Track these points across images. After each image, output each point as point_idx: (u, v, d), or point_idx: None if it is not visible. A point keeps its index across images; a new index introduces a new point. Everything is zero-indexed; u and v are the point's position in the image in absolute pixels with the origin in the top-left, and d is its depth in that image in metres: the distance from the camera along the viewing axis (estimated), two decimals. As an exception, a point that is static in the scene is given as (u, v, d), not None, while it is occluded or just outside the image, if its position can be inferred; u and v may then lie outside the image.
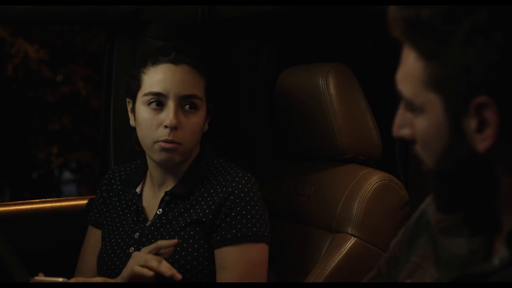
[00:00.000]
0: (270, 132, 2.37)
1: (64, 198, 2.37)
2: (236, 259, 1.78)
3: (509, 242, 0.98)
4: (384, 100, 2.17)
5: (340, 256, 1.89)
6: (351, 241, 1.90)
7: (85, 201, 2.27)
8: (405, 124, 1.05)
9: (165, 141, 1.79)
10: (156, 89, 1.80)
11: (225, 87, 2.33)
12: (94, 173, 2.87)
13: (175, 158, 1.82)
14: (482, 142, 0.96)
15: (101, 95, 2.26)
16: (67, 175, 9.36)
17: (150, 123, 1.81)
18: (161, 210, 1.87)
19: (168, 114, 1.78)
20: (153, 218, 1.88)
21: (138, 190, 1.93)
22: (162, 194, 1.88)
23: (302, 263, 2.03)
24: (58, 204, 2.29)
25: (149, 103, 1.81)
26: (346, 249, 1.90)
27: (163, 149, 1.80)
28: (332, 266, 1.88)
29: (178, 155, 1.81)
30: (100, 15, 2.11)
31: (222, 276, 1.79)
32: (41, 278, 1.47)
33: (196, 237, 1.81)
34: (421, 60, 0.99)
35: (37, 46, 8.03)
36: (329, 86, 2.01)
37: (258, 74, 2.34)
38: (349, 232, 1.92)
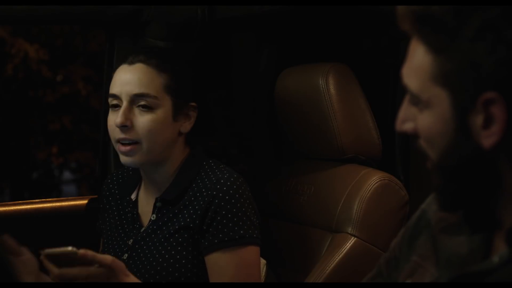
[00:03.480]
0: (269, 132, 2.37)
1: (64, 198, 2.36)
2: (226, 264, 1.75)
3: (508, 239, 0.98)
4: (384, 100, 2.16)
5: (340, 256, 1.89)
6: (351, 241, 1.90)
7: (85, 201, 2.27)
8: (409, 119, 1.04)
9: (122, 142, 1.78)
10: (112, 91, 1.81)
11: (225, 87, 2.33)
12: (94, 173, 2.87)
13: (137, 160, 1.79)
14: (488, 138, 0.95)
15: (101, 95, 2.26)
16: (67, 175, 9.35)
17: (110, 124, 1.81)
18: (154, 216, 1.85)
19: (119, 114, 1.79)
20: (147, 224, 1.86)
21: (133, 196, 1.91)
22: (154, 199, 1.86)
23: (302, 263, 2.03)
24: (58, 204, 2.28)
25: (111, 105, 1.82)
26: (346, 249, 1.90)
27: (123, 152, 1.79)
28: (332, 266, 1.88)
29: (139, 156, 1.79)
30: (100, 15, 2.11)
31: (215, 282, 1.77)
32: (50, 250, 1.45)
33: (184, 244, 1.78)
34: (429, 54, 0.98)
35: (37, 46, 8.03)
36: (329, 86, 2.01)
37: (258, 74, 2.34)
38: (349, 232, 1.91)
